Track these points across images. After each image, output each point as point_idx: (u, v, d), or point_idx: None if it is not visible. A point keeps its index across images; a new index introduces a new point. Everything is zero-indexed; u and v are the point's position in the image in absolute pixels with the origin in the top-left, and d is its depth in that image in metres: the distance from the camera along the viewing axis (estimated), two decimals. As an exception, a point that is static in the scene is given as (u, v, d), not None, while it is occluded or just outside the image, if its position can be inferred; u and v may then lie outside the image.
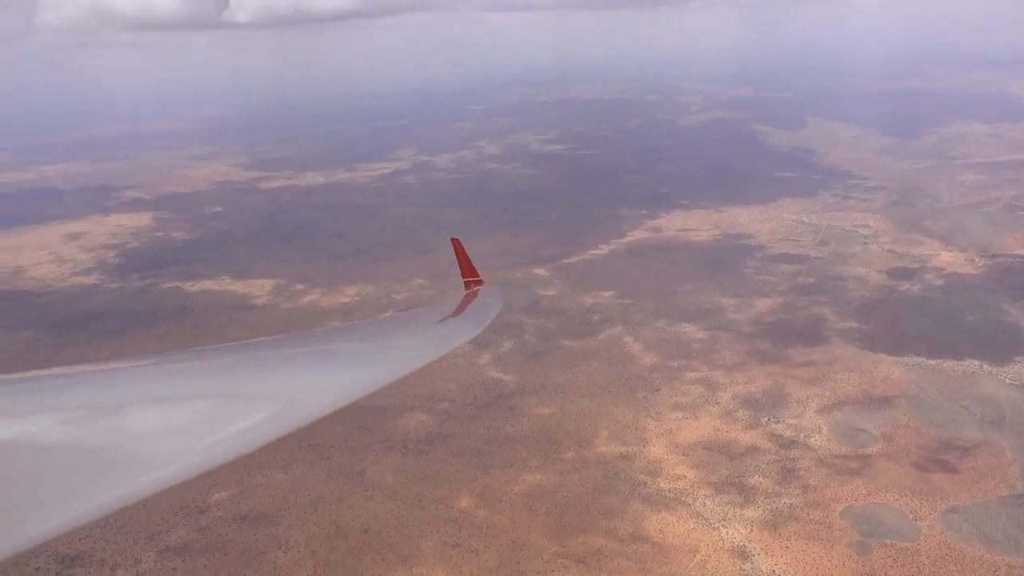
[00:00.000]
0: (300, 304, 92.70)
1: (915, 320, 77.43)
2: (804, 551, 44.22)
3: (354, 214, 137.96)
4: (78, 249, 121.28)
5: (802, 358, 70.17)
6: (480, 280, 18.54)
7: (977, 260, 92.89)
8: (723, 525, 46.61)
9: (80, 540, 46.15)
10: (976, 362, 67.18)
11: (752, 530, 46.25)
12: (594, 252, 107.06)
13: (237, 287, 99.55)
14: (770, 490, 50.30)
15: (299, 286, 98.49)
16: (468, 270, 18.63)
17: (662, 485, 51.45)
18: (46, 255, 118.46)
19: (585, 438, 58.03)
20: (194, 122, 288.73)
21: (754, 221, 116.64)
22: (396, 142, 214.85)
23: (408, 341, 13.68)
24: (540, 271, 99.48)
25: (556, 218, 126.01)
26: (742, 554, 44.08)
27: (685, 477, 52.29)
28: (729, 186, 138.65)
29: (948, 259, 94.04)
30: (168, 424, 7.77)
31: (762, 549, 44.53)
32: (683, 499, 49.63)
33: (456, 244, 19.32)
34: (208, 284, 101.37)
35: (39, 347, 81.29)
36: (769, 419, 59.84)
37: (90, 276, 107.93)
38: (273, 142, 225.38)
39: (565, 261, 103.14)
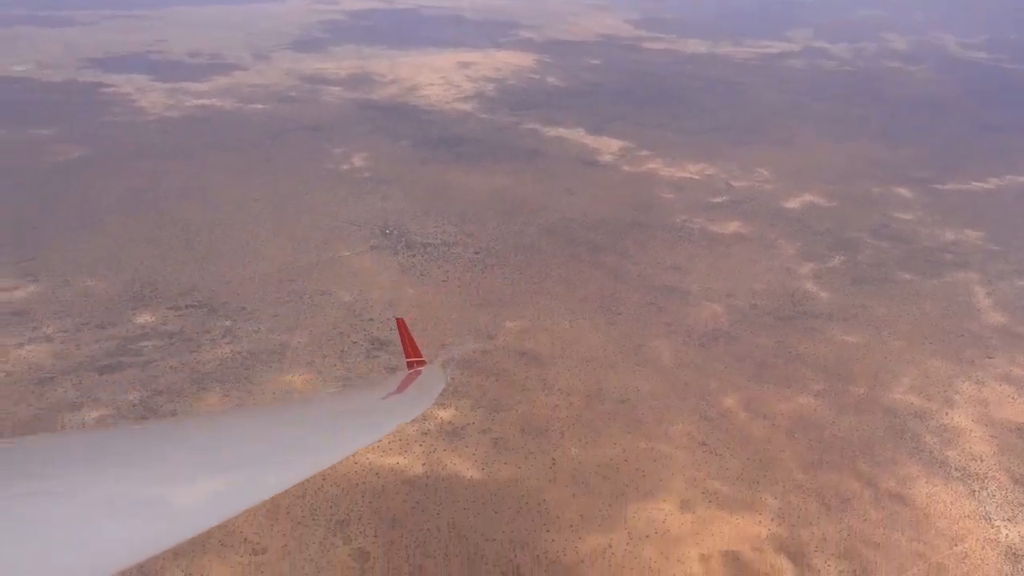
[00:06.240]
0: (640, 169, 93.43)
1: None
2: (1100, 585, 37.44)
3: (723, 90, 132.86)
4: (464, 78, 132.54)
5: None
6: (423, 360, 18.77)
7: None
8: (1005, 523, 40.73)
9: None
10: None
11: (1042, 540, 39.98)
12: (978, 184, 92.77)
13: (588, 141, 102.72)
14: (1086, 505, 42.60)
15: (644, 152, 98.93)
16: (412, 350, 18.96)
17: (951, 456, 45.87)
18: (438, 78, 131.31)
19: (883, 380, 53.09)
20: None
21: None
22: (793, 21, 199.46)
23: (350, 422, 14.66)
24: (904, 191, 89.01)
25: (946, 136, 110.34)
26: (1015, 558, 38.51)
27: (983, 459, 45.95)
28: None
29: None
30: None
31: (1045, 564, 38.51)
32: (969, 481, 43.91)
33: (400, 324, 19.59)
34: (563, 132, 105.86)
35: (410, 158, 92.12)
36: (1124, 427, 49.68)
37: (468, 104, 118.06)
38: (667, 1, 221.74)
39: (937, 186, 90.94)
